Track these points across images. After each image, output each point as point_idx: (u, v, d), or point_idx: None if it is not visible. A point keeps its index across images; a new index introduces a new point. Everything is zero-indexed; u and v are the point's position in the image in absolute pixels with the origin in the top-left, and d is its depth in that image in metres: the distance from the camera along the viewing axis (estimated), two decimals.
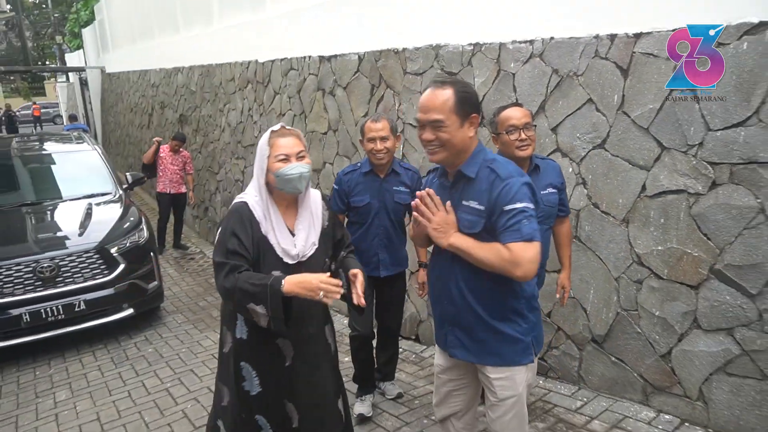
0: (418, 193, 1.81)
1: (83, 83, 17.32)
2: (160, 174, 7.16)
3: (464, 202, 1.78)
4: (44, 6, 34.06)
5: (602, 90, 2.88)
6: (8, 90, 42.26)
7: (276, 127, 2.04)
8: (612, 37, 2.78)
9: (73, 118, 13.41)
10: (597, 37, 2.85)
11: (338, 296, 1.83)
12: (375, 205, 2.94)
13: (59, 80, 26.70)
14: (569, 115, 3.06)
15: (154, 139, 7.36)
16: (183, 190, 7.32)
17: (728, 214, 2.45)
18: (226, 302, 1.98)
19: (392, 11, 4.24)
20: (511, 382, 1.82)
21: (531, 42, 3.17)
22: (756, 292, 2.40)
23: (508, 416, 1.84)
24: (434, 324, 1.98)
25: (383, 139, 2.85)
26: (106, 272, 4.56)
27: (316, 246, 2.05)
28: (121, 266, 4.63)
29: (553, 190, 2.47)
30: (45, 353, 4.41)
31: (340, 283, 1.83)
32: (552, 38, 3.06)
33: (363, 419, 3.05)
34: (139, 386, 3.78)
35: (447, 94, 1.73)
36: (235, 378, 2.06)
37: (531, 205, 1.68)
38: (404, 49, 4.11)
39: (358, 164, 3.05)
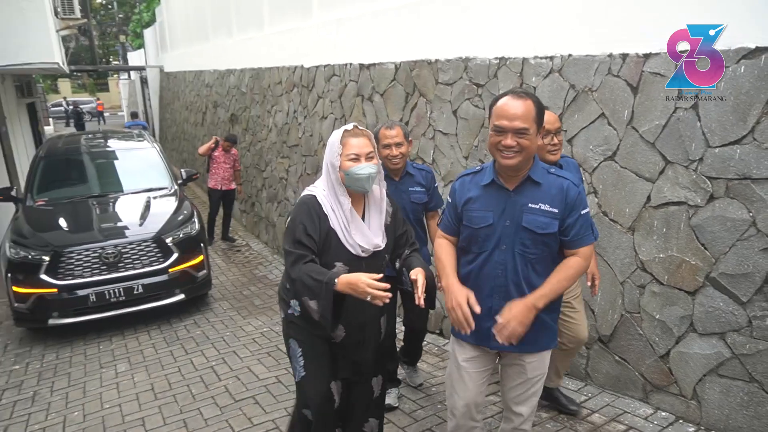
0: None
1: (143, 81, 18.41)
2: (213, 171, 7.72)
3: (532, 205, 1.91)
4: (110, 7, 36.00)
5: (614, 105, 3.08)
6: (75, 86, 44.99)
7: (349, 127, 2.11)
8: (624, 57, 2.98)
9: (134, 115, 14.35)
10: (611, 55, 3.05)
11: (386, 301, 1.88)
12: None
13: (122, 77, 28.30)
14: (584, 127, 3.27)
15: (213, 137, 8.00)
16: (232, 186, 7.88)
17: (723, 226, 2.62)
18: (290, 287, 2.11)
19: (426, 25, 4.53)
20: (541, 362, 2.07)
21: (551, 58, 3.40)
22: (746, 300, 2.56)
23: (532, 390, 2.09)
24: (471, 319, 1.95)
25: (398, 145, 3.00)
26: (162, 260, 5.07)
27: (385, 241, 2.15)
28: (175, 255, 5.13)
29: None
30: (108, 330, 4.96)
31: (387, 287, 1.87)
32: (570, 55, 3.27)
33: (390, 409, 3.29)
34: (187, 363, 4.24)
35: (530, 105, 1.86)
36: (289, 356, 2.24)
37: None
38: (436, 61, 4.39)
39: None
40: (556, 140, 2.55)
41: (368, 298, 1.86)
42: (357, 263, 2.06)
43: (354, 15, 5.75)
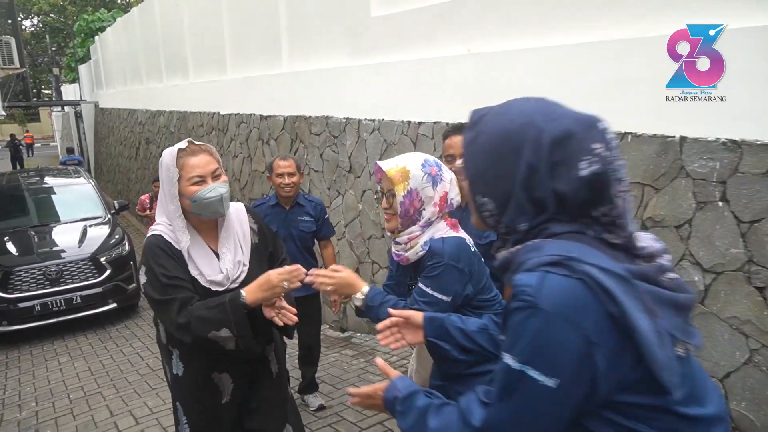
0: None
1: (78, 115, 19.11)
2: (150, 222, 7.35)
3: None
4: (43, 38, 36.02)
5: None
6: (3, 118, 43.92)
7: (183, 145, 1.79)
8: (409, 123, 4.57)
9: (70, 150, 15.19)
10: (402, 122, 4.64)
11: (303, 276, 1.69)
12: (282, 234, 3.21)
13: (55, 110, 28.50)
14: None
15: (141, 198, 7.30)
16: None
17: None
18: (183, 337, 1.72)
19: (303, 90, 6.05)
20: None
21: (374, 120, 4.97)
22: None
23: None
24: None
25: (290, 174, 3.25)
26: (96, 275, 6.24)
27: (247, 266, 1.87)
28: (108, 271, 6.32)
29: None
30: (50, 336, 6.04)
31: (298, 266, 1.71)
32: (383, 119, 4.85)
33: (320, 408, 3.55)
34: (118, 352, 5.43)
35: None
36: (175, 420, 1.98)
37: None
38: (309, 116, 5.91)
39: (267, 198, 3.50)
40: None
41: (285, 285, 1.68)
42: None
43: (255, 76, 7.24)
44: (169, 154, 1.78)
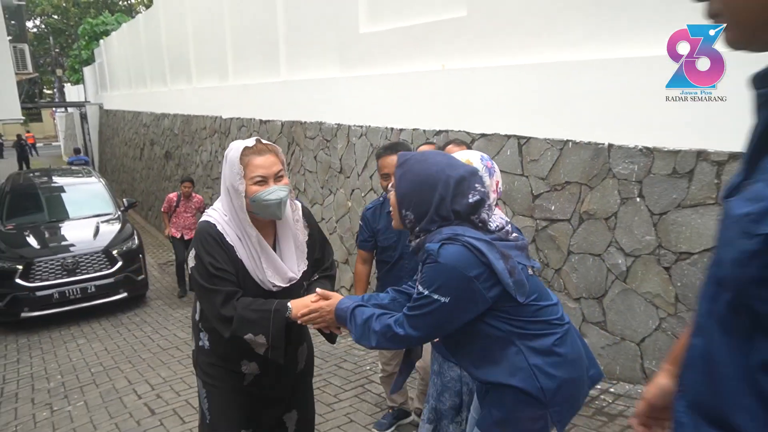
0: None
1: (83, 117, 19.66)
2: (174, 219, 7.08)
3: None
4: (46, 39, 36.57)
5: None
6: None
7: (250, 142, 1.78)
8: (392, 129, 5.13)
9: (77, 151, 15.74)
10: (386, 128, 5.20)
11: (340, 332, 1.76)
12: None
13: (58, 110, 29.06)
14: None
15: (168, 196, 7.24)
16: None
17: None
18: (222, 330, 1.76)
19: (298, 97, 6.62)
20: None
21: (362, 126, 5.53)
22: None
23: None
24: None
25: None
26: (109, 266, 6.80)
27: (302, 270, 1.90)
28: (119, 263, 6.87)
29: None
30: (67, 322, 6.59)
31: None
32: (369, 126, 5.41)
33: None
34: (130, 335, 5.98)
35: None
36: (199, 394, 2.00)
37: None
38: (304, 122, 6.47)
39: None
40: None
41: (324, 321, 1.73)
42: (275, 297, 1.81)
43: (254, 84, 7.80)
44: (235, 149, 1.77)
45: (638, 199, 3.22)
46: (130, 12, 33.65)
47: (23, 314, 6.37)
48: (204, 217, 1.84)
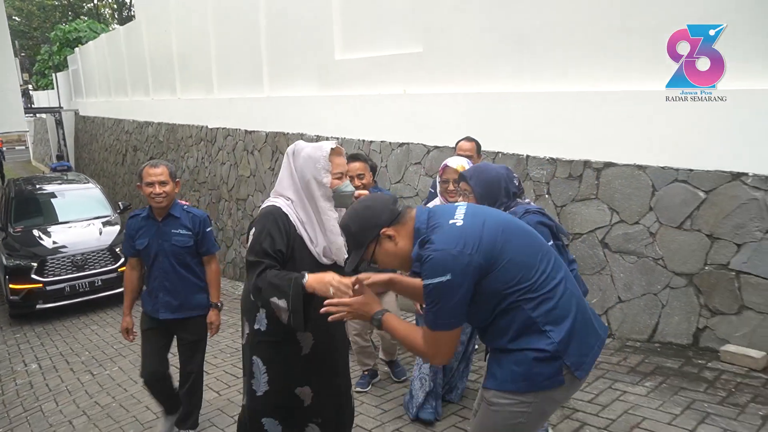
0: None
1: (58, 122, 20.04)
2: None
3: None
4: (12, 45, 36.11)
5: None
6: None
7: (333, 145, 2.09)
8: (363, 141, 6.18)
9: (59, 157, 16.26)
10: (360, 140, 6.25)
11: (347, 296, 1.84)
12: (153, 249, 3.01)
13: (27, 115, 29.02)
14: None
15: None
16: None
17: None
18: (255, 298, 1.98)
19: (281, 111, 7.61)
20: None
21: (337, 138, 6.56)
22: None
23: None
24: None
25: (162, 183, 2.92)
26: (113, 262, 7.64)
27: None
28: (122, 259, 7.71)
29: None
30: (76, 313, 7.40)
31: (350, 284, 1.85)
32: (345, 138, 6.45)
33: None
34: (138, 322, 6.85)
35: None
36: (247, 373, 2.17)
37: None
38: (287, 133, 7.46)
39: (141, 210, 3.13)
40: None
41: (330, 292, 1.86)
42: (322, 269, 2.01)
43: (239, 98, 8.75)
44: (321, 148, 2.07)
45: (547, 196, 4.36)
46: (98, 17, 33.72)
47: (38, 306, 7.17)
48: (268, 203, 2.11)
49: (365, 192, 2.20)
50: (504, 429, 1.69)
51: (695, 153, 3.56)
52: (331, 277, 1.89)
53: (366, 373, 3.77)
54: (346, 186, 2.08)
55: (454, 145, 3.93)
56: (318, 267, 2.04)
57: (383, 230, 1.73)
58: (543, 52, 4.39)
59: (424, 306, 1.69)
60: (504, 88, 4.72)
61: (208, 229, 3.16)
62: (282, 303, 1.90)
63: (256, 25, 8.09)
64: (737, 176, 3.38)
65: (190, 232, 3.05)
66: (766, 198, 3.27)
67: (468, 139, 3.77)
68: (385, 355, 3.78)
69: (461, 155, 3.43)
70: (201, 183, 9.98)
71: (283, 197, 2.09)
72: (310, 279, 1.90)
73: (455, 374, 3.25)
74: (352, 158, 3.34)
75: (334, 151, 2.08)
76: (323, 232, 2.08)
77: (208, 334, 3.23)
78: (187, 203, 3.49)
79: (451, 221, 1.66)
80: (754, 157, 3.31)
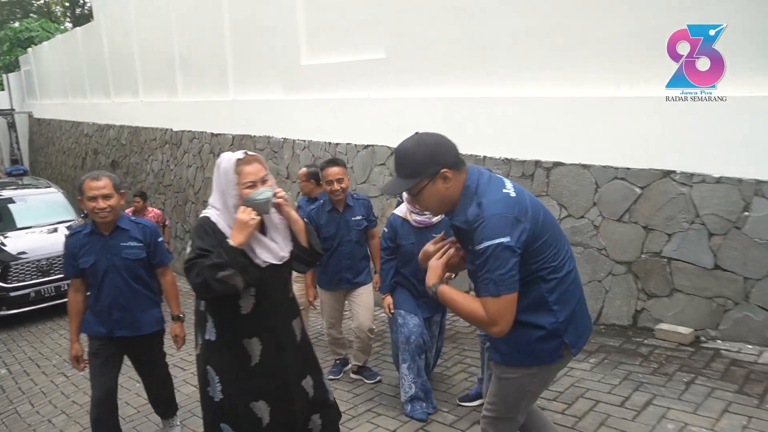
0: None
1: (10, 125, 19.44)
2: None
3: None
4: None
5: None
6: None
7: (240, 155, 2.12)
8: (329, 143, 6.41)
9: (14, 161, 15.80)
10: (326, 142, 6.48)
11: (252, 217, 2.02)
12: (102, 266, 2.83)
13: None
14: None
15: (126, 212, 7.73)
16: None
17: None
18: (203, 295, 2.10)
19: (248, 115, 7.76)
20: None
21: (305, 141, 6.78)
22: None
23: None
24: None
25: (106, 197, 2.75)
26: None
27: (290, 247, 2.24)
28: None
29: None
30: (42, 318, 7.35)
31: (255, 215, 2.04)
32: (311, 140, 6.67)
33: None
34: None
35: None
36: (202, 382, 2.22)
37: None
38: (254, 136, 7.63)
39: (83, 226, 2.95)
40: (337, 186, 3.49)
41: (251, 221, 2.03)
42: (269, 272, 2.14)
43: (205, 101, 8.85)
44: (228, 161, 2.12)
45: None
46: (50, 16, 32.67)
47: (1, 312, 7.11)
48: (202, 214, 2.21)
49: (284, 193, 2.24)
50: (516, 395, 1.89)
51: (631, 153, 3.96)
52: (239, 215, 2.04)
53: (338, 362, 4.01)
54: (259, 194, 2.08)
55: None
56: (259, 271, 2.12)
57: (444, 170, 1.73)
58: (499, 59, 4.74)
59: (477, 275, 1.69)
60: (462, 92, 5.05)
61: (160, 239, 3.06)
62: (228, 271, 1.99)
63: (221, 30, 8.21)
64: (667, 173, 3.79)
65: (141, 244, 2.93)
66: (692, 193, 3.69)
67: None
68: (357, 359, 3.87)
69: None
70: (166, 186, 10.00)
71: (213, 208, 2.19)
72: (232, 237, 2.04)
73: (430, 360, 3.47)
74: (331, 163, 3.57)
75: (242, 161, 2.10)
76: (254, 237, 2.13)
77: (175, 347, 3.15)
78: (155, 210, 3.52)
79: (504, 190, 1.72)
80: (680, 156, 3.73)
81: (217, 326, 2.18)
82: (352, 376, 3.90)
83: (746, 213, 3.48)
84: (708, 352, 3.47)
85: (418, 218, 3.15)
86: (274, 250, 2.17)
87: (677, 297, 3.79)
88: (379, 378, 3.81)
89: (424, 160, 1.74)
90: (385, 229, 3.29)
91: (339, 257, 3.65)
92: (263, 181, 2.11)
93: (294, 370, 2.27)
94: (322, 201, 3.74)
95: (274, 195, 2.14)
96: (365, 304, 3.73)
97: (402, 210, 3.26)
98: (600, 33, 4.02)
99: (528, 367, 1.82)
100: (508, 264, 1.62)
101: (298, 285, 4.10)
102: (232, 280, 2.01)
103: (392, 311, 3.28)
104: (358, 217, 3.67)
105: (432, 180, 1.74)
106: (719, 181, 3.58)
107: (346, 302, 3.86)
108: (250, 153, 2.16)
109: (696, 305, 3.71)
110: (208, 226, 2.13)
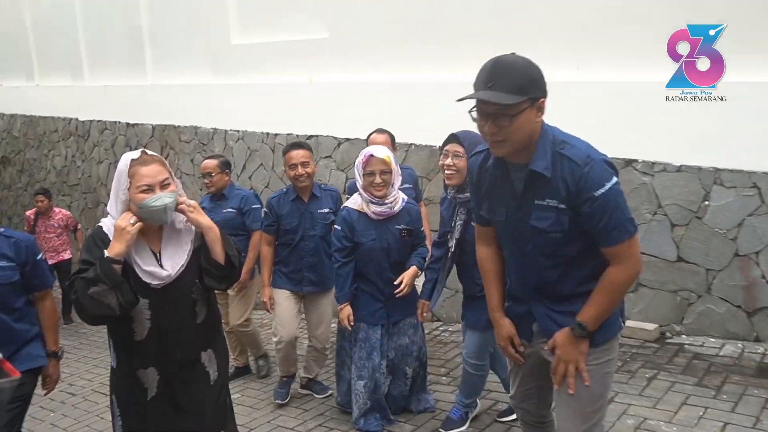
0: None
1: None
2: (39, 243, 6.67)
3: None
4: None
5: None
6: None
7: (136, 155, 2.10)
8: (267, 134, 6.57)
9: None
10: (264, 132, 6.63)
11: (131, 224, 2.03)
12: None
13: None
14: (254, 171, 6.81)
15: (26, 214, 7.36)
16: (65, 256, 7.12)
17: None
18: (83, 316, 2.07)
19: (172, 101, 7.80)
20: None
21: (238, 131, 6.90)
22: None
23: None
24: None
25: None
26: None
27: (184, 267, 2.15)
28: None
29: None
30: None
31: (136, 221, 2.04)
32: (246, 130, 6.80)
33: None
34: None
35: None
36: (111, 410, 2.29)
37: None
38: (178, 126, 7.68)
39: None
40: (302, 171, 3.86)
41: (131, 229, 2.02)
42: (161, 293, 2.12)
43: (117, 85, 8.80)
44: (122, 162, 2.11)
45: None
46: None
47: None
48: (98, 224, 2.22)
49: (194, 202, 2.25)
50: (604, 389, 1.96)
51: (594, 141, 4.32)
52: (118, 222, 2.04)
53: (285, 380, 3.99)
54: (155, 200, 2.04)
55: (365, 138, 4.45)
56: (149, 292, 2.11)
57: (543, 100, 1.77)
58: (451, 41, 5.04)
59: (600, 224, 1.77)
60: (413, 77, 5.34)
61: (39, 256, 2.83)
62: (101, 287, 1.96)
63: (135, 1, 8.19)
64: (629, 162, 4.20)
65: (13, 263, 2.65)
66: (653, 183, 4.11)
67: (380, 131, 4.09)
68: (309, 371, 3.98)
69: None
70: (72, 186, 9.84)
71: (110, 215, 2.18)
72: (109, 249, 2.02)
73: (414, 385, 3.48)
74: (296, 146, 3.70)
75: (137, 162, 2.08)
76: (138, 252, 2.12)
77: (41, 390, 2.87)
78: (63, 212, 3.17)
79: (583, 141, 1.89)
80: (641, 145, 4.14)
81: (116, 352, 2.22)
82: (301, 391, 4.03)
83: (706, 202, 3.92)
84: (672, 348, 3.88)
85: (378, 209, 3.14)
86: (155, 271, 2.13)
87: (642, 292, 4.20)
88: (330, 392, 3.93)
89: (536, 78, 1.75)
90: (337, 227, 3.26)
91: (300, 254, 3.69)
92: (163, 186, 2.07)
93: (210, 419, 2.29)
94: (285, 189, 3.83)
95: (177, 202, 2.11)
96: (327, 314, 3.85)
97: (356, 202, 3.24)
98: (557, 15, 4.38)
99: (616, 338, 1.96)
100: (624, 201, 1.79)
101: (238, 305, 4.22)
102: (105, 299, 1.98)
103: (352, 324, 3.25)
104: (325, 210, 3.72)
105: (531, 106, 1.74)
106: (680, 169, 4.01)
107: (302, 307, 3.90)
108: (149, 153, 2.17)
109: (661, 300, 4.13)
110: (98, 236, 2.13)
